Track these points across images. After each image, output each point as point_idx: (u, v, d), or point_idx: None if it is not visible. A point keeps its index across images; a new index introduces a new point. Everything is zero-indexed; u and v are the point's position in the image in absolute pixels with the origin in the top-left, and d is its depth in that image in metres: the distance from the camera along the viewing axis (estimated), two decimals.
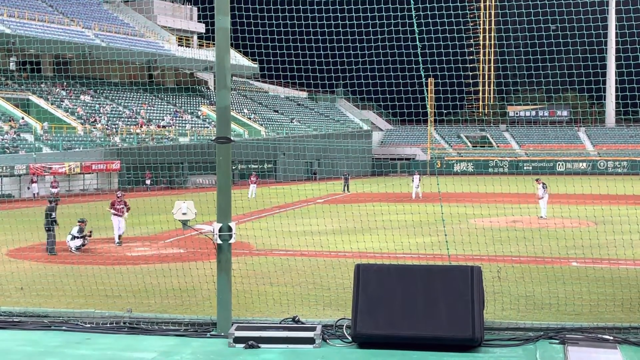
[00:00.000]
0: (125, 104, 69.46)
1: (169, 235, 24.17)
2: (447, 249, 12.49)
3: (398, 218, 19.92)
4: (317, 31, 14.80)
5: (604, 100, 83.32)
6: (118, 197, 23.20)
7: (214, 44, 10.33)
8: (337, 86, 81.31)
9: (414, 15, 11.03)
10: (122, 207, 22.92)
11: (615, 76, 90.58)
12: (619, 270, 16.06)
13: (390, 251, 18.35)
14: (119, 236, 22.78)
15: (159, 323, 10.37)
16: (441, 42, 14.19)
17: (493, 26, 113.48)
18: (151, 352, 9.20)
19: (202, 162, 52.36)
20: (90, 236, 21.80)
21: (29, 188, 48.27)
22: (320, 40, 15.15)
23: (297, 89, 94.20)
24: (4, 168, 47.41)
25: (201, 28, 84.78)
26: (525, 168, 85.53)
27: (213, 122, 68.51)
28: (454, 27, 14.40)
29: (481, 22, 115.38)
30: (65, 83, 66.72)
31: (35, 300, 13.43)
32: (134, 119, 66.14)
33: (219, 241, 10.05)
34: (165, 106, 74.13)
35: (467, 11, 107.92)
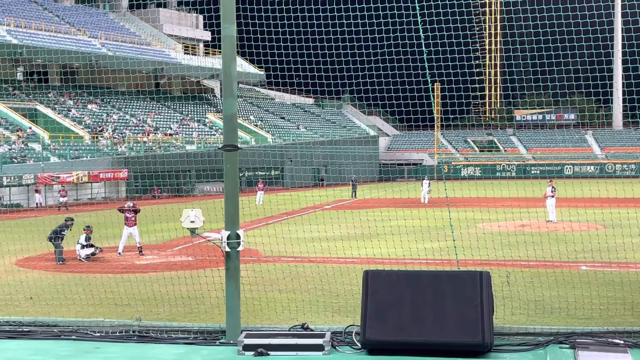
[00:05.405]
0: (132, 112, 69.65)
1: (177, 243, 24.19)
2: (456, 254, 12.46)
3: (406, 223, 19.86)
4: (323, 38, 14.82)
5: (611, 103, 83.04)
6: (128, 206, 22.90)
7: (220, 52, 10.34)
8: (343, 92, 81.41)
9: (419, 20, 11.03)
10: (132, 216, 22.66)
11: (622, 79, 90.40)
12: (629, 274, 15.99)
13: (398, 257, 18.33)
14: (139, 248, 22.58)
15: (168, 331, 10.37)
16: (447, 47, 14.18)
17: (499, 30, 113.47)
18: None
19: (210, 170, 52.52)
20: (101, 250, 21.74)
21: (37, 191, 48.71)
22: (327, 47, 15.17)
23: (303, 96, 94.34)
24: (12, 178, 47.54)
25: (207, 36, 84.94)
26: (532, 172, 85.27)
27: (220, 130, 68.62)
28: (460, 32, 14.43)
29: (487, 26, 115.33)
30: (72, 92, 66.98)
31: (45, 309, 13.46)
32: (141, 128, 66.31)
33: (227, 249, 10.05)
34: (172, 114, 74.31)
35: (473, 16, 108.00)
